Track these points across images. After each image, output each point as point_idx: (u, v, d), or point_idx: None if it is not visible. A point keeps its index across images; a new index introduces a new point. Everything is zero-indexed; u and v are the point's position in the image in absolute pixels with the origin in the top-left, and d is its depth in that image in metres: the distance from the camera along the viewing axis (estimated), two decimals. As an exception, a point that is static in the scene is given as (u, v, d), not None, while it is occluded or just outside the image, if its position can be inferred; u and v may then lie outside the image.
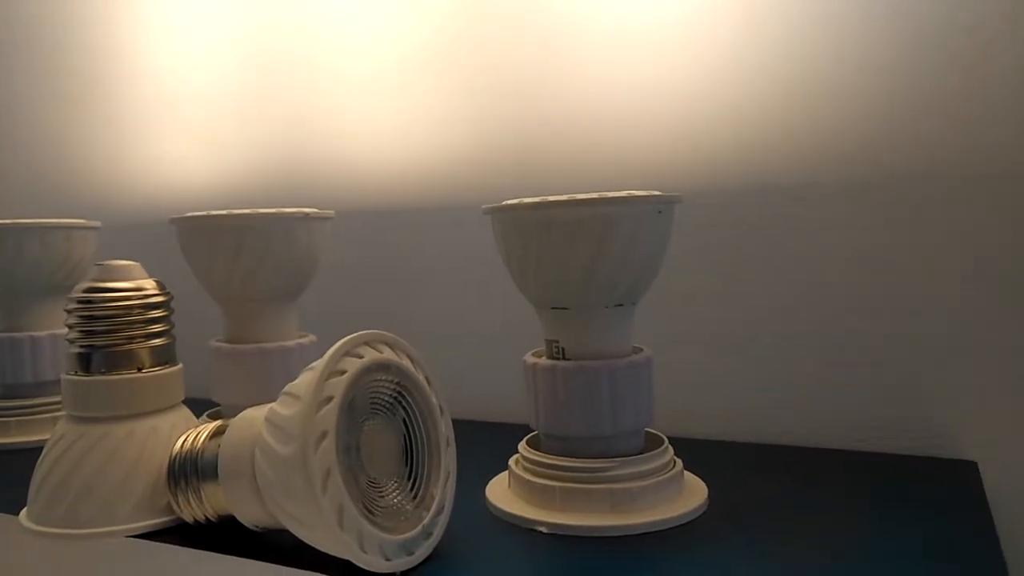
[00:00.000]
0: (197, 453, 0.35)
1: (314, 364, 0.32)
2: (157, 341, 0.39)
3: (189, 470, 0.35)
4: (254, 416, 0.35)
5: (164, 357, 0.40)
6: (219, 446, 0.34)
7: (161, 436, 0.38)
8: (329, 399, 0.30)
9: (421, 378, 0.35)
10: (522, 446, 0.40)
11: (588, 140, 0.54)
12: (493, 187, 0.57)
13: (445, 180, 0.59)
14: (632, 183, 0.51)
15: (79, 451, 0.37)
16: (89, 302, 0.38)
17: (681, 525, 0.36)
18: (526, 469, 0.39)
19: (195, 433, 0.36)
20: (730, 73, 0.49)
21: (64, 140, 0.79)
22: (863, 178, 0.46)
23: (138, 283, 0.39)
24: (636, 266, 0.37)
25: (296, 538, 0.32)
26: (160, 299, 0.40)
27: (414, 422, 0.35)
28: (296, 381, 0.32)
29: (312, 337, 0.49)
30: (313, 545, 0.31)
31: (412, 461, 0.35)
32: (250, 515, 0.34)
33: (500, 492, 0.40)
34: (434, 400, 0.36)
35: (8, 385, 0.55)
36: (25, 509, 0.39)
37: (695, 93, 0.50)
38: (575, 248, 0.36)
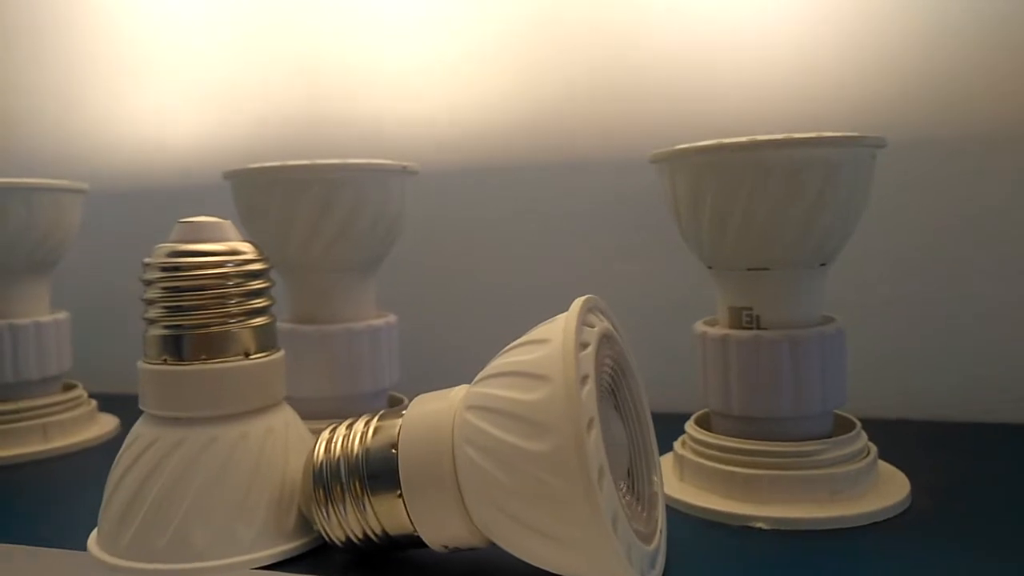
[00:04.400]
0: (359, 458, 0.27)
1: (539, 335, 0.25)
2: (260, 320, 0.31)
3: (348, 480, 0.27)
4: (436, 408, 0.27)
5: (268, 340, 0.31)
6: (394, 448, 0.27)
7: (277, 439, 0.30)
8: (585, 379, 0.24)
9: (629, 352, 0.29)
10: (702, 431, 0.35)
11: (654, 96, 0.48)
12: (554, 143, 0.51)
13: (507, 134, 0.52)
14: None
15: (181, 462, 0.28)
16: (176, 269, 0.30)
17: (900, 514, 0.32)
18: (712, 457, 0.33)
19: (343, 433, 0.29)
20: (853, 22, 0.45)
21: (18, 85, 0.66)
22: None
23: (232, 245, 0.31)
24: (851, 218, 0.32)
25: (504, 557, 0.25)
26: (260, 266, 0.31)
27: (626, 406, 0.29)
28: (525, 358, 0.25)
29: (392, 316, 0.41)
30: (551, 567, 0.25)
31: (631, 453, 0.28)
32: (445, 531, 0.26)
33: (673, 483, 0.34)
34: (639, 378, 0.30)
35: (-17, 386, 0.44)
36: (97, 539, 0.30)
37: (809, 42, 0.46)
38: (795, 196, 0.31)
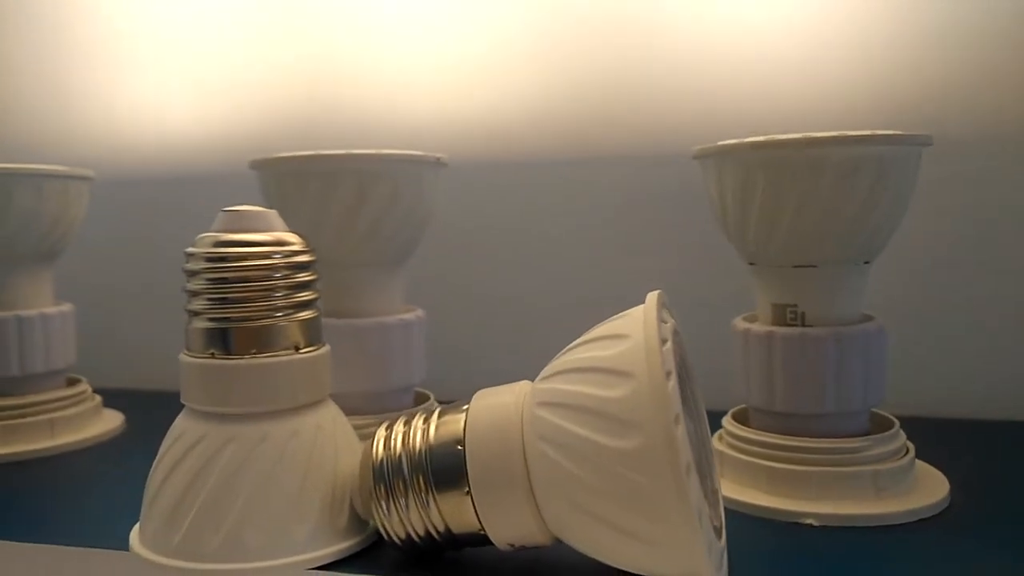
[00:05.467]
0: (423, 455, 0.27)
1: (613, 330, 0.25)
2: (307, 314, 0.30)
3: (411, 476, 0.27)
4: (501, 403, 0.27)
5: (316, 334, 0.31)
6: (460, 445, 0.26)
7: (327, 436, 0.30)
8: (668, 374, 0.24)
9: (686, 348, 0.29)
10: (742, 427, 0.35)
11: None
12: (579, 138, 0.50)
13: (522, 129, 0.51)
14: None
15: (233, 459, 0.28)
16: (223, 259, 0.29)
17: (942, 511, 0.32)
18: (754, 453, 0.33)
19: (401, 430, 0.28)
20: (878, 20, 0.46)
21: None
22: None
23: (278, 235, 0.30)
24: (898, 215, 0.33)
25: (574, 557, 0.25)
26: (307, 258, 0.30)
27: (689, 402, 0.29)
28: (603, 353, 0.25)
29: (420, 310, 0.40)
30: (625, 565, 0.24)
31: (698, 449, 0.28)
32: (513, 529, 0.26)
33: (715, 481, 0.34)
34: (696, 374, 0.30)
35: (-13, 380, 0.42)
36: (141, 538, 0.29)
37: (828, 33, 0.46)
38: (848, 194, 0.31)
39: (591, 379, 0.24)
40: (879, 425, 0.34)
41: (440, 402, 0.40)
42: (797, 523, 0.31)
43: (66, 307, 0.45)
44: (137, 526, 0.30)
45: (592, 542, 0.25)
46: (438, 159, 0.38)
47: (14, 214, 0.41)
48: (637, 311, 0.26)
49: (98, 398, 0.47)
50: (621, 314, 0.27)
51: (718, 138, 0.35)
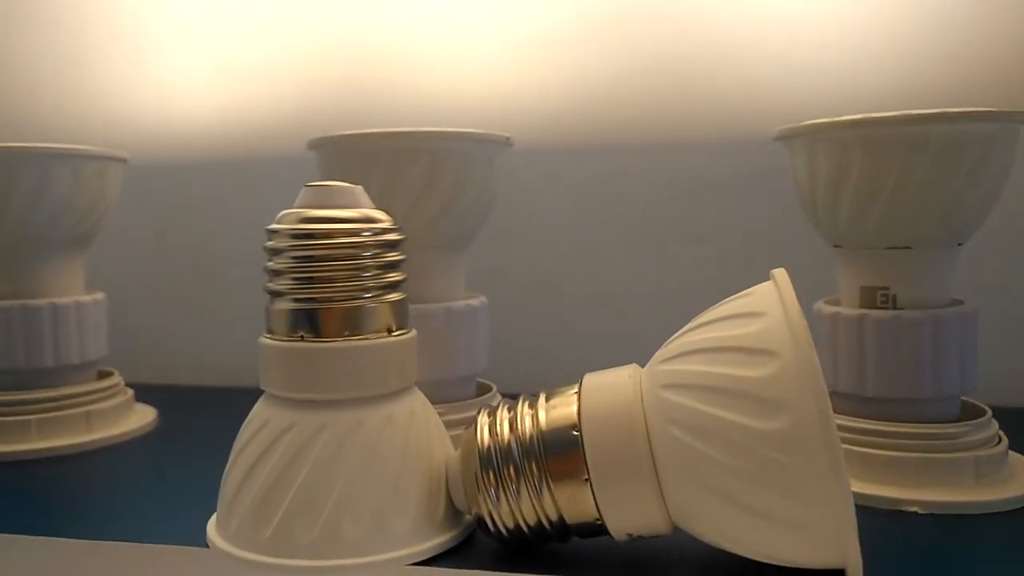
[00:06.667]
0: (535, 441, 0.25)
1: (744, 308, 0.24)
2: (397, 295, 0.29)
3: (523, 463, 0.25)
4: (616, 384, 0.26)
5: (404, 317, 0.29)
6: (575, 430, 0.25)
7: (420, 423, 0.28)
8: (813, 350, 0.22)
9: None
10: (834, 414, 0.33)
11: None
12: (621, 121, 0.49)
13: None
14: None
15: (326, 448, 0.26)
16: (310, 236, 0.27)
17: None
18: (847, 440, 0.32)
19: (506, 416, 0.26)
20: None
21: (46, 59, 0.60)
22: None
23: (366, 212, 0.28)
24: (995, 196, 0.32)
25: (694, 547, 0.24)
26: (396, 236, 0.29)
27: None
28: (738, 332, 0.23)
29: (482, 297, 0.39)
30: (756, 550, 0.23)
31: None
32: (634, 517, 0.25)
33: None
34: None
35: (19, 372, 0.40)
36: (222, 533, 0.27)
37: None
38: (949, 173, 0.30)
39: (726, 359, 0.23)
40: (967, 412, 0.34)
41: (502, 394, 0.39)
42: (900, 510, 0.30)
43: (99, 295, 0.43)
44: (213, 521, 0.28)
45: (723, 528, 0.24)
46: (507, 139, 0.36)
47: (51, 195, 0.39)
48: (763, 289, 0.25)
49: (130, 391, 0.44)
50: (742, 293, 0.25)
51: (779, 122, 0.34)
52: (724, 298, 0.26)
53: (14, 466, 0.37)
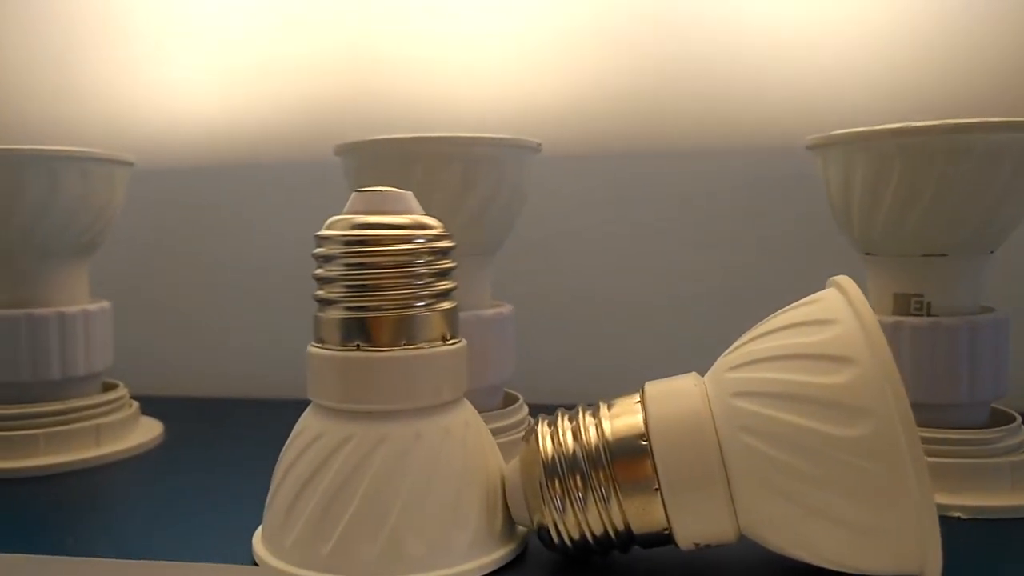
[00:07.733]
0: (601, 450, 0.25)
1: (814, 315, 0.24)
2: (449, 304, 0.28)
3: (589, 472, 0.25)
4: (682, 392, 0.25)
5: (456, 326, 0.28)
6: (643, 440, 0.25)
7: (474, 435, 0.27)
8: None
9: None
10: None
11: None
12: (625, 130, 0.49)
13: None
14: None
15: (386, 461, 0.25)
16: (363, 243, 0.26)
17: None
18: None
19: (567, 425, 0.26)
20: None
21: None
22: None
23: (418, 218, 0.28)
24: (1029, 204, 0.33)
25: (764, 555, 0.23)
26: (448, 243, 0.28)
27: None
28: (811, 339, 0.23)
29: (509, 305, 0.38)
30: (831, 558, 0.23)
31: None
32: (704, 527, 0.24)
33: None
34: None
35: (24, 384, 0.38)
36: (273, 550, 0.26)
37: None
38: (988, 181, 0.31)
39: (799, 366, 0.23)
40: (995, 418, 0.34)
41: (529, 405, 0.39)
42: (944, 516, 0.30)
43: (105, 304, 0.41)
44: (259, 536, 0.28)
45: (796, 536, 0.23)
46: (538, 145, 0.36)
47: (61, 200, 0.37)
48: (830, 295, 0.25)
49: (136, 404, 0.43)
50: (806, 300, 0.26)
51: (806, 132, 0.34)
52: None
53: (23, 483, 0.35)
